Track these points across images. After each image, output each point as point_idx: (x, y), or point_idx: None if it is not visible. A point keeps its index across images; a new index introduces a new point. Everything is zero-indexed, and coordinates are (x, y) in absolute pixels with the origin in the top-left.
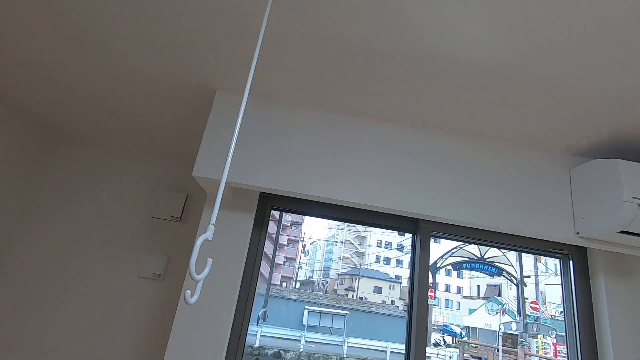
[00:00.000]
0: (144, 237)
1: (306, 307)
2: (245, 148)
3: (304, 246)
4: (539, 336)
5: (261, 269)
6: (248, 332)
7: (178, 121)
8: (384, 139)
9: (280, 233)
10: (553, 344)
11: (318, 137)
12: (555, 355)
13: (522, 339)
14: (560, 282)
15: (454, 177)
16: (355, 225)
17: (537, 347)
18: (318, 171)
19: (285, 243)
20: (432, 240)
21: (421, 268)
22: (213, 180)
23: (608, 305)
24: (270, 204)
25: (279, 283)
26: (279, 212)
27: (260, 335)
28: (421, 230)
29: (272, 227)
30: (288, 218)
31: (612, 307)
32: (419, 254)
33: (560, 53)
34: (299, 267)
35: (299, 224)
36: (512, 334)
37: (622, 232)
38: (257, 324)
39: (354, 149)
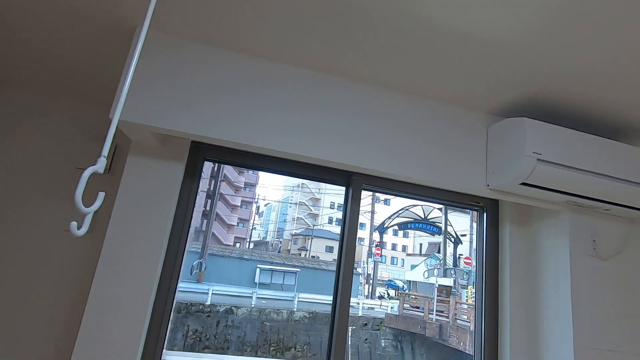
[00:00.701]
0: (70, 189)
1: (258, 265)
2: (170, 91)
3: (257, 208)
4: (469, 287)
5: (213, 230)
6: (198, 291)
7: (103, 63)
8: (318, 93)
9: (234, 194)
10: None
11: (252, 89)
12: None
13: (454, 290)
14: (476, 233)
15: (385, 131)
16: (309, 187)
17: (467, 296)
18: (252, 122)
19: (239, 204)
20: (382, 202)
21: (351, 219)
22: (132, 124)
23: (510, 251)
24: (203, 154)
25: (232, 244)
26: (216, 165)
27: (212, 294)
28: (353, 183)
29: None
30: (241, 179)
31: (513, 252)
32: (351, 205)
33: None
34: (252, 228)
35: (253, 185)
36: (446, 286)
37: (523, 184)
38: (190, 274)
39: (290, 103)
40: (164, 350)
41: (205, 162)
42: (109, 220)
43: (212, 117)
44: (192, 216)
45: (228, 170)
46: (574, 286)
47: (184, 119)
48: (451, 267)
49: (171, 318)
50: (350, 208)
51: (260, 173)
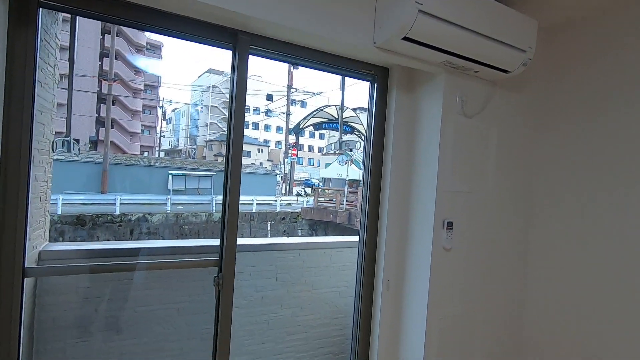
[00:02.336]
0: None
1: (170, 172)
2: None
3: (164, 113)
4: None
5: (113, 139)
6: (104, 202)
7: None
8: None
9: (133, 96)
10: None
11: None
12: None
13: (362, 182)
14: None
15: None
16: (221, 89)
17: None
18: None
19: (141, 109)
20: (295, 104)
21: (238, 86)
22: None
23: (395, 115)
24: None
25: (139, 153)
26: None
27: (121, 204)
28: (240, 44)
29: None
30: (139, 79)
31: (397, 117)
32: (237, 70)
33: None
34: (161, 136)
35: (155, 87)
36: (355, 180)
37: (405, 38)
38: (54, 150)
39: None
40: (47, 243)
41: (41, 11)
42: None
43: None
44: (34, 78)
45: (121, 69)
46: (442, 139)
47: None
48: (361, 162)
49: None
50: (238, 74)
51: (162, 74)
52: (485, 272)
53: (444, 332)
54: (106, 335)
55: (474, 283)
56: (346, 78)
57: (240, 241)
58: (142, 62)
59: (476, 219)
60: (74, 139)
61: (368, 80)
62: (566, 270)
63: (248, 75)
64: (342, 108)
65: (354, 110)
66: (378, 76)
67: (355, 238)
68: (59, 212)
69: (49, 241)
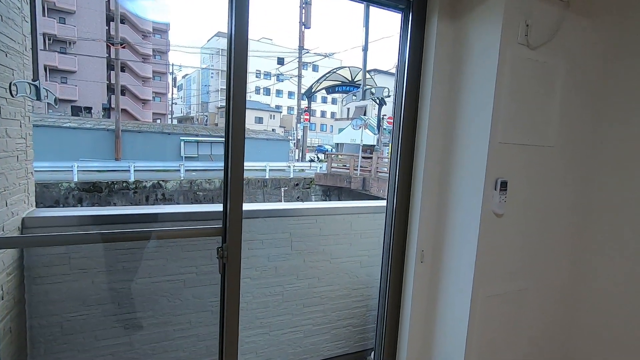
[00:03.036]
0: None
1: (181, 138)
2: None
3: (174, 79)
4: (390, 144)
5: (125, 107)
6: (118, 169)
7: None
8: None
9: (142, 61)
10: None
11: None
12: None
13: (377, 147)
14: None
15: None
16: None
17: (388, 152)
18: None
19: (151, 76)
20: (307, 68)
21: (237, 29)
22: None
23: (435, 50)
24: None
25: (151, 121)
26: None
27: (135, 170)
28: None
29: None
30: (147, 45)
31: (438, 53)
32: (235, 9)
33: None
34: (173, 103)
35: (164, 52)
36: (370, 145)
37: None
38: (13, 95)
39: None
40: (33, 209)
41: None
42: None
43: None
44: None
45: (128, 33)
46: (499, 78)
47: None
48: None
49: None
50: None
51: (170, 35)
52: (541, 242)
53: (489, 313)
54: (106, 308)
55: (528, 256)
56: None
57: (250, 206)
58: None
59: (535, 178)
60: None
61: (400, 10)
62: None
63: (257, 38)
64: (365, 47)
65: (369, 72)
66: (413, 2)
67: (378, 203)
68: (75, 179)
69: (50, 207)
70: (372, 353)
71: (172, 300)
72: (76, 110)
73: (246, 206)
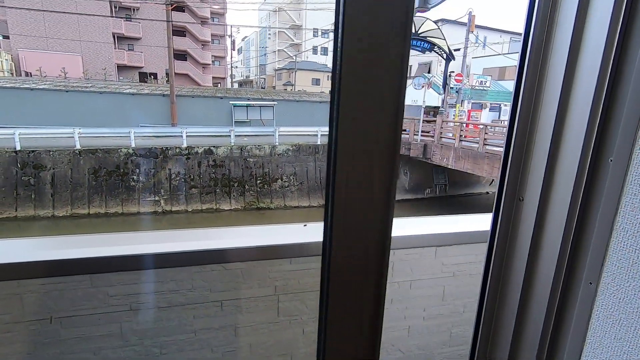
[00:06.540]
0: None
1: (231, 102)
2: None
3: (233, 42)
4: (457, 105)
5: (187, 71)
6: (172, 135)
7: None
8: None
9: (201, 26)
10: (468, 110)
11: None
12: (468, 119)
13: (442, 109)
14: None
15: None
16: (287, 12)
17: (454, 114)
18: None
19: (209, 39)
20: None
21: None
22: None
23: None
24: None
25: (211, 85)
26: None
27: (187, 136)
28: None
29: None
30: (205, 8)
31: None
32: None
33: None
34: (233, 67)
35: (221, 14)
36: (433, 107)
37: None
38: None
39: None
40: None
41: None
42: None
43: None
44: None
45: None
46: None
47: None
48: (440, 86)
49: None
50: None
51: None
52: None
53: None
54: None
55: None
56: None
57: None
58: None
59: None
60: (150, 73)
61: None
62: None
63: None
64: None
65: (435, 22)
66: None
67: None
68: (133, 145)
69: None
70: None
71: None
72: (143, 77)
73: None
